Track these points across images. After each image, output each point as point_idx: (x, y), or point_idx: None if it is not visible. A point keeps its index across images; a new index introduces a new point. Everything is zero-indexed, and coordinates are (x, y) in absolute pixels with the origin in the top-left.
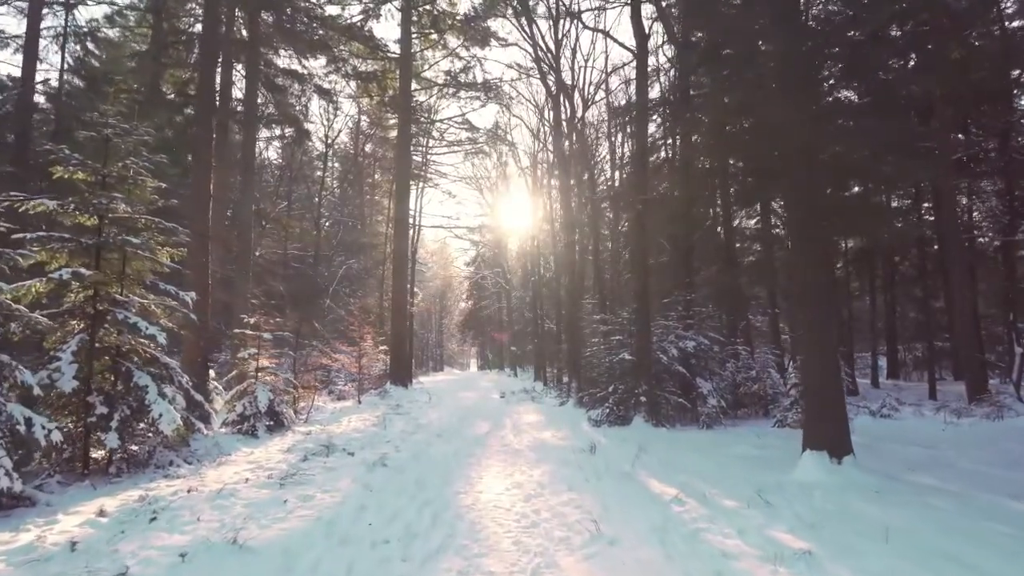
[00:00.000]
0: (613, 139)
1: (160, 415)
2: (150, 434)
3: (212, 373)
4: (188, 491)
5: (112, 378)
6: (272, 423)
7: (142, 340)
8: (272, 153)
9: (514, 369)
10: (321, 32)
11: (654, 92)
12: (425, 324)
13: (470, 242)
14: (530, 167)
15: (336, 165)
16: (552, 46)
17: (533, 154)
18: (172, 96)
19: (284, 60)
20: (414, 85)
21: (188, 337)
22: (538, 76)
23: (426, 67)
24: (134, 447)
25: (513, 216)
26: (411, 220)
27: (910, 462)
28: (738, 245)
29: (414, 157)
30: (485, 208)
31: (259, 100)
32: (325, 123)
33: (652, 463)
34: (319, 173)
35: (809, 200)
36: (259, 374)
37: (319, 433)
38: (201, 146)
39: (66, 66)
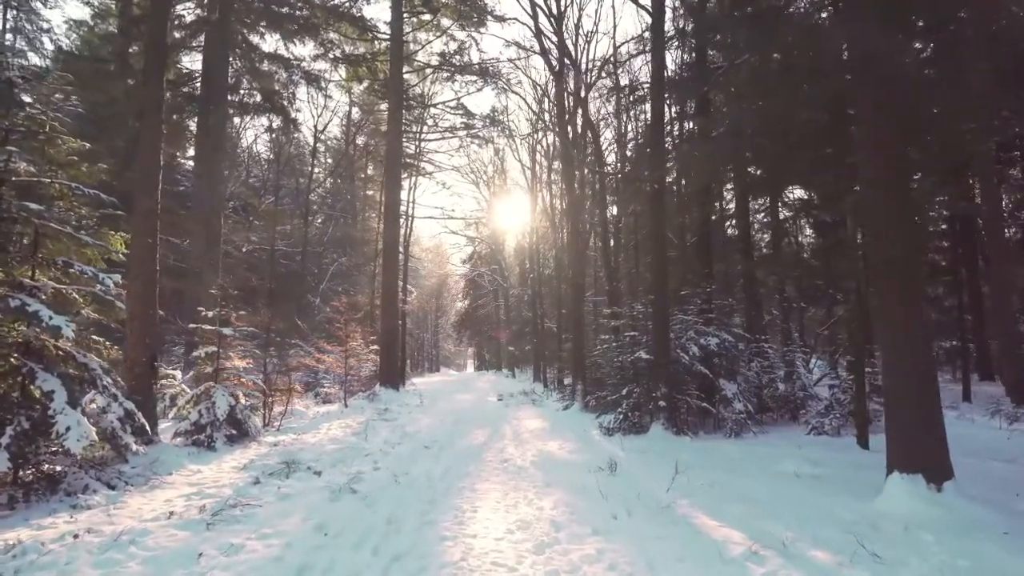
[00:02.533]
0: (621, 122)
1: (68, 428)
2: (60, 453)
3: (179, 375)
4: (77, 536)
5: (22, 381)
6: (235, 432)
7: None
8: (261, 147)
9: (512, 370)
10: (306, 12)
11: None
12: (420, 324)
13: (466, 238)
14: (529, 159)
15: (329, 161)
16: (555, 10)
17: (532, 145)
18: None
19: (270, 45)
20: (406, 68)
21: (132, 333)
22: (539, 51)
23: (419, 49)
24: (46, 467)
25: (510, 212)
26: (404, 210)
27: (1008, 483)
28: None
29: (408, 147)
30: (482, 203)
31: (242, 84)
32: (314, 114)
33: (692, 487)
34: (308, 168)
35: (895, 150)
36: (220, 376)
37: (289, 444)
38: (149, 108)
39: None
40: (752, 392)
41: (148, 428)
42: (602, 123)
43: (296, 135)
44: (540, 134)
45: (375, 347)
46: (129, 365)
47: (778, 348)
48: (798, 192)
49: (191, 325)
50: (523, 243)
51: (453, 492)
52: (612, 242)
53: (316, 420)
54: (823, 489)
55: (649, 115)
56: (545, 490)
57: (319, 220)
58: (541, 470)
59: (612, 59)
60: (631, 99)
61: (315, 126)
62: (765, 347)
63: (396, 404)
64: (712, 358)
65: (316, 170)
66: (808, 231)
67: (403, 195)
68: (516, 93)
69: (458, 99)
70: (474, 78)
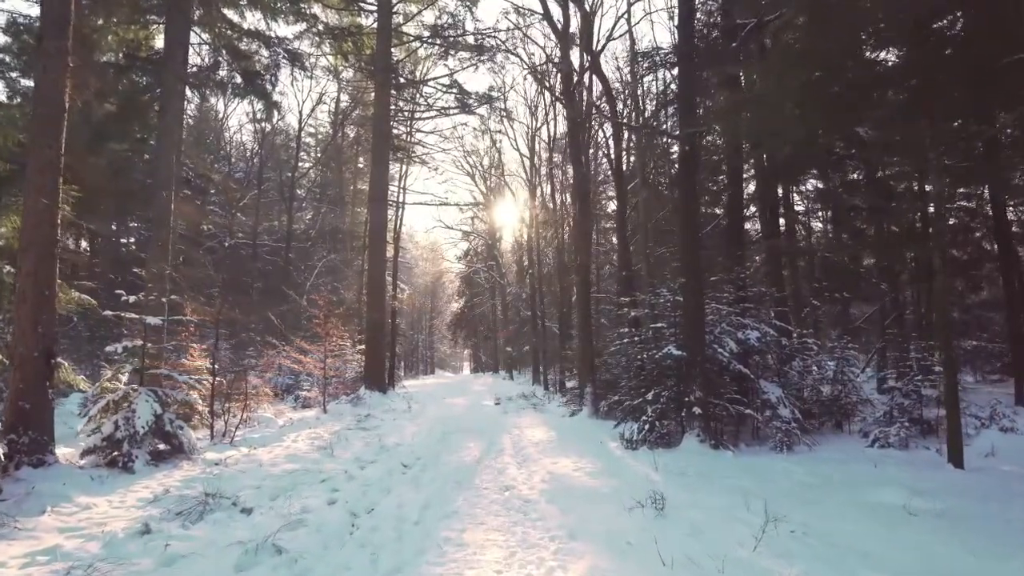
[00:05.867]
0: (636, 90)
1: None
2: None
3: (125, 377)
4: None
5: None
6: (165, 448)
7: None
8: (247, 137)
9: (510, 372)
10: None
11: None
12: (415, 325)
13: (462, 233)
14: (527, 149)
15: (318, 154)
16: None
17: (531, 134)
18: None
19: (251, 24)
20: (394, 42)
21: (20, 320)
22: (541, 14)
23: (408, 21)
24: None
25: (507, 206)
26: (394, 199)
27: None
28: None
29: (398, 129)
30: (477, 196)
31: (220, 64)
32: (300, 99)
33: (783, 538)
34: (293, 160)
35: None
36: (145, 377)
37: (235, 463)
38: (50, 30)
39: None
40: (794, 395)
41: (5, 448)
42: (613, 90)
43: (280, 122)
44: (540, 122)
45: (362, 347)
46: (17, 362)
47: (823, 344)
48: (811, 183)
49: (106, 312)
50: (521, 239)
51: (431, 549)
52: (612, 239)
53: (284, 429)
54: (969, 537)
55: (662, 83)
56: (569, 547)
57: (308, 216)
58: (556, 505)
59: (628, 15)
60: (646, 65)
61: (300, 112)
62: (809, 343)
63: (381, 409)
64: (751, 355)
65: (305, 163)
66: (816, 226)
67: (393, 183)
68: (518, 56)
69: (451, 74)
70: (469, 54)
